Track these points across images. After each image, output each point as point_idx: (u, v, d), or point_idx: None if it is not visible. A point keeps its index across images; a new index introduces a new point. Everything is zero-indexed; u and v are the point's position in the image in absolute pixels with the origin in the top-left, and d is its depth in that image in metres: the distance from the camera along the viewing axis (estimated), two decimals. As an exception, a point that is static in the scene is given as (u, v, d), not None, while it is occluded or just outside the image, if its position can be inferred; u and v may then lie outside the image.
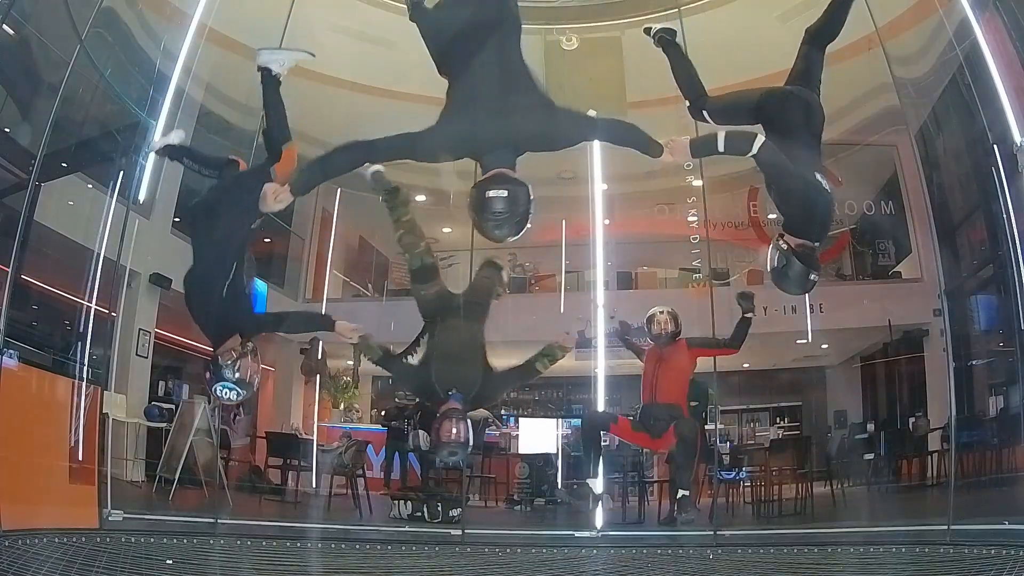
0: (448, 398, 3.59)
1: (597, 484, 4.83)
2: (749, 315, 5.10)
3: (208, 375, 3.40)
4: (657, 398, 4.91)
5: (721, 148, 3.00)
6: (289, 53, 3.68)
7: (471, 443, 3.59)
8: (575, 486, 5.12)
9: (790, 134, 3.12)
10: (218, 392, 3.34)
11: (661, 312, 5.10)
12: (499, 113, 2.75)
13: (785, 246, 3.06)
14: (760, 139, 2.95)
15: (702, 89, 3.52)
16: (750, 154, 2.94)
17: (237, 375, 3.31)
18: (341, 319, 3.88)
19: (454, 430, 3.47)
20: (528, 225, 2.75)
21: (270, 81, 3.56)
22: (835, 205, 3.15)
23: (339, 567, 4.44)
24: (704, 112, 3.39)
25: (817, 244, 3.12)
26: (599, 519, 6.36)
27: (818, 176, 3.01)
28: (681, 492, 4.77)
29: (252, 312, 3.58)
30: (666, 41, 3.79)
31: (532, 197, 2.72)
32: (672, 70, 3.69)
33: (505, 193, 2.65)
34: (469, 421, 3.57)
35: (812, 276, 3.07)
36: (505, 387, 4.07)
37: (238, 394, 3.32)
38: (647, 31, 3.90)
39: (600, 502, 5.51)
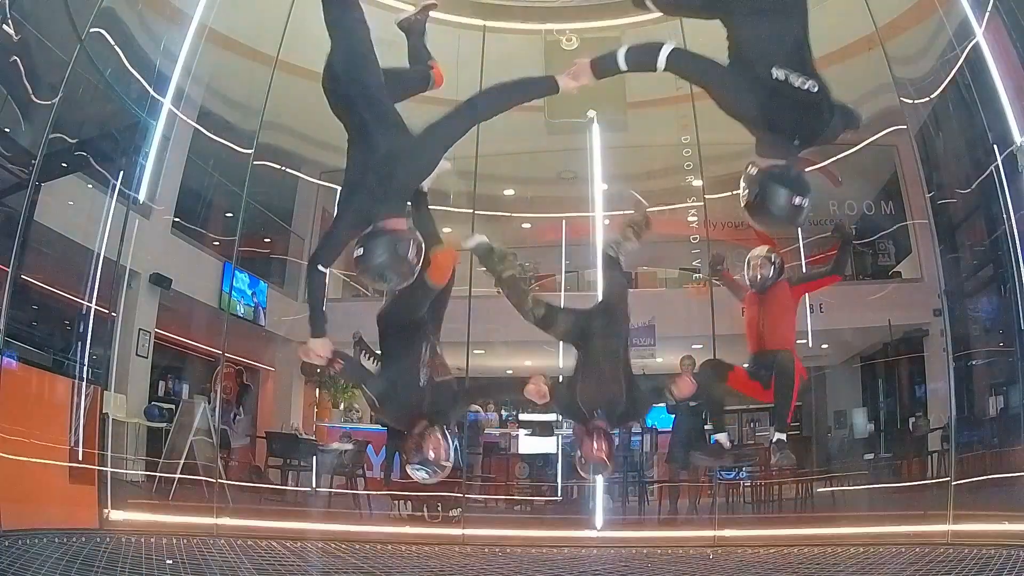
0: (594, 417, 3.61)
1: (724, 438, 4.45)
2: (849, 240, 4.86)
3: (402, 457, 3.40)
4: (766, 345, 4.42)
5: (623, 66, 2.54)
6: None
7: (614, 459, 3.63)
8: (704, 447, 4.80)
9: (756, 20, 2.49)
10: (412, 472, 3.31)
11: (757, 255, 4.64)
12: (371, 168, 2.75)
13: (754, 171, 2.53)
14: (667, 48, 2.45)
15: None
16: (660, 68, 2.46)
17: (430, 455, 3.26)
18: (531, 383, 3.55)
19: (595, 446, 3.50)
20: (414, 273, 2.77)
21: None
22: (824, 105, 2.50)
23: (339, 567, 4.44)
24: (647, 1, 2.76)
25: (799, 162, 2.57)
26: (599, 519, 6.37)
27: (779, 72, 2.40)
28: (777, 435, 4.31)
29: (446, 403, 3.45)
30: None
31: (407, 244, 2.69)
32: None
33: (361, 251, 2.68)
34: (615, 438, 3.61)
35: (796, 200, 2.48)
36: (649, 404, 4.05)
37: (427, 474, 3.27)
38: None
39: (729, 458, 5.06)
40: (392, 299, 3.52)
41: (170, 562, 4.10)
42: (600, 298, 4.15)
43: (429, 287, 3.30)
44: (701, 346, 7.98)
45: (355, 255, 2.70)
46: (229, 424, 9.01)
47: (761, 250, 4.64)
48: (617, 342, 3.77)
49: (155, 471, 7.31)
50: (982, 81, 5.89)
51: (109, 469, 5.82)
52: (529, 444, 9.08)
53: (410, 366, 3.33)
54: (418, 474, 3.27)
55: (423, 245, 2.79)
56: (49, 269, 6.90)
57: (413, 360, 3.34)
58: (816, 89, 2.44)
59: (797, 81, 2.41)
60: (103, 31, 5.90)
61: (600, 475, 3.78)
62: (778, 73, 2.40)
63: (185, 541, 5.13)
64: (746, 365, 4.51)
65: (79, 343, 6.11)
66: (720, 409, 4.57)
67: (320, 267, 2.89)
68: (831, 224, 5.14)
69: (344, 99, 2.88)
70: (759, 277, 4.59)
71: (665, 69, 2.47)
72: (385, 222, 2.71)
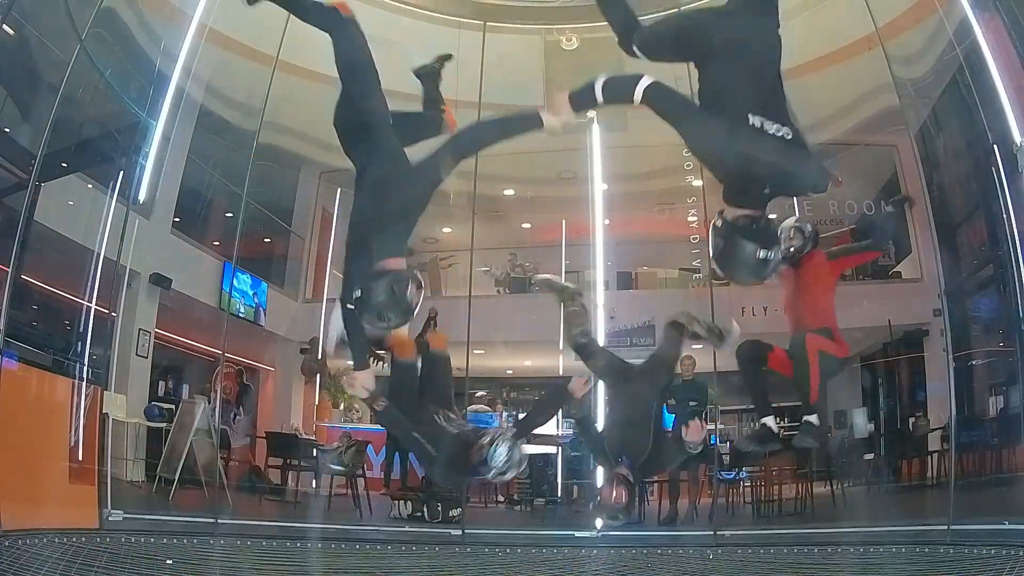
0: (619, 463, 3.70)
1: (772, 421, 4.24)
2: (895, 208, 4.67)
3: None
4: (802, 322, 4.19)
5: (600, 97, 2.49)
6: None
7: (634, 509, 3.68)
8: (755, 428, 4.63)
9: (731, 65, 2.45)
10: (499, 466, 3.22)
11: (787, 226, 4.29)
12: (371, 206, 2.80)
13: (720, 222, 2.51)
14: (644, 82, 2.41)
15: (634, 19, 2.78)
16: (636, 101, 2.42)
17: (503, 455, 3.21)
18: (572, 382, 3.71)
19: (614, 493, 3.61)
20: (413, 312, 2.79)
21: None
22: (798, 153, 2.42)
23: (339, 567, 4.44)
24: (634, 47, 2.72)
25: (766, 214, 2.53)
26: (600, 519, 6.35)
27: (756, 119, 2.34)
28: (806, 418, 4.10)
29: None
30: None
31: (405, 284, 2.71)
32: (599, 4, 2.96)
33: (359, 292, 2.73)
34: (634, 487, 3.71)
35: (761, 254, 2.46)
36: (672, 460, 4.16)
37: (508, 450, 3.16)
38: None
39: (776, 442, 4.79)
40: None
41: (170, 562, 4.11)
42: (650, 356, 4.21)
43: (401, 364, 3.43)
44: (701, 346, 7.97)
45: (354, 296, 2.75)
46: (229, 424, 9.01)
47: (790, 220, 4.40)
48: (651, 404, 3.87)
49: (155, 471, 7.32)
50: (982, 81, 5.89)
51: (109, 469, 5.82)
52: (529, 444, 9.07)
53: (432, 433, 3.32)
54: (501, 455, 3.13)
55: (422, 284, 2.81)
56: (49, 269, 6.90)
57: (430, 428, 3.33)
58: (791, 136, 2.38)
59: (772, 128, 2.35)
60: (103, 31, 5.90)
61: (614, 521, 3.82)
62: (754, 120, 2.35)
63: (185, 541, 5.13)
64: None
65: (79, 343, 6.11)
66: (763, 392, 4.34)
67: (350, 305, 2.92)
68: (893, 200, 4.96)
69: (353, 140, 2.95)
70: (790, 249, 4.30)
71: (641, 102, 2.42)
72: (384, 262, 2.74)
